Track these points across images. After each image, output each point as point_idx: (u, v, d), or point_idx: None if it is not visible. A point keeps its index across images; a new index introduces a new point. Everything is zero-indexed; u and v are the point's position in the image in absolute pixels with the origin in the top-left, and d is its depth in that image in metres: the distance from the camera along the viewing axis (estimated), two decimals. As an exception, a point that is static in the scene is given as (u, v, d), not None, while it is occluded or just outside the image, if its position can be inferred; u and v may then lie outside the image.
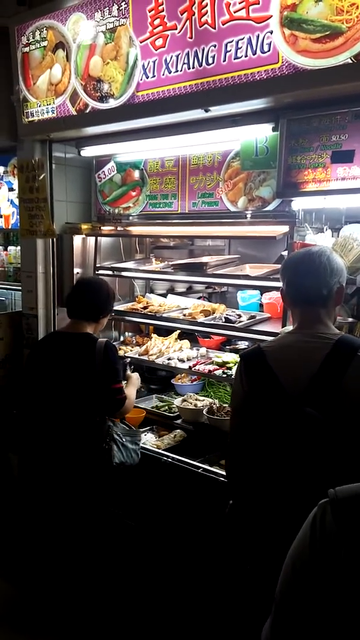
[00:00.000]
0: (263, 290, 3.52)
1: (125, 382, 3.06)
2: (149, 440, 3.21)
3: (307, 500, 1.11)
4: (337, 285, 1.87)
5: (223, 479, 2.64)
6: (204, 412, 3.19)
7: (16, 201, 4.17)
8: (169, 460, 2.88)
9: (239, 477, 1.90)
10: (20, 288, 4.15)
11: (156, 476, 2.94)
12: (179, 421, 3.35)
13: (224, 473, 2.68)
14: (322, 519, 0.99)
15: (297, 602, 0.99)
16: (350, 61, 2.20)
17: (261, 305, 3.58)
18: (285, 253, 3.07)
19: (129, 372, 3.31)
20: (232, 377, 3.18)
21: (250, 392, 1.81)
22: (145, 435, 3.30)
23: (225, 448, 1.95)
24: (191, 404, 3.35)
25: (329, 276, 1.85)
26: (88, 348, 2.74)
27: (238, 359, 1.87)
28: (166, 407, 3.51)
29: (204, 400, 3.40)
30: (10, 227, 4.69)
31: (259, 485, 1.79)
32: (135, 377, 3.19)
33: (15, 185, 4.25)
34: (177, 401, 3.42)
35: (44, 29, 3.43)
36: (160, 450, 2.97)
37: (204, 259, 3.61)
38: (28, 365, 2.98)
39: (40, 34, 3.47)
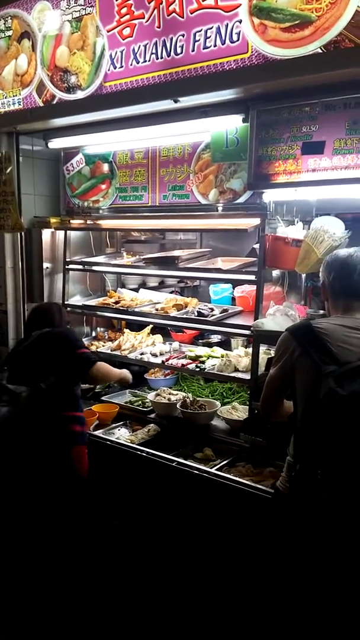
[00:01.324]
0: (235, 283, 3.51)
1: None
2: (122, 435, 3.17)
3: None
4: None
5: (197, 472, 2.63)
6: (178, 405, 3.17)
7: (-17, 195, 4.06)
8: (144, 454, 2.84)
9: (272, 414, 2.24)
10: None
11: (131, 471, 2.91)
12: (152, 415, 3.31)
13: (197, 466, 2.68)
14: None
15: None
16: (319, 51, 2.20)
17: (233, 298, 3.57)
18: (257, 246, 3.07)
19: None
20: (205, 370, 3.18)
21: (302, 354, 1.97)
22: (119, 430, 3.26)
23: (262, 399, 2.22)
24: (165, 398, 3.32)
25: None
26: (46, 334, 2.83)
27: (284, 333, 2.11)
28: (140, 402, 3.47)
29: (177, 394, 3.38)
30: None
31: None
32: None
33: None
34: (151, 395, 3.39)
35: (9, 17, 3.35)
36: (134, 445, 2.93)
37: (176, 253, 3.59)
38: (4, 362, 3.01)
39: (4, 24, 3.39)
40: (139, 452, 2.87)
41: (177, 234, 4.30)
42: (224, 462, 2.75)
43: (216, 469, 2.65)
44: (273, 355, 2.20)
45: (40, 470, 2.68)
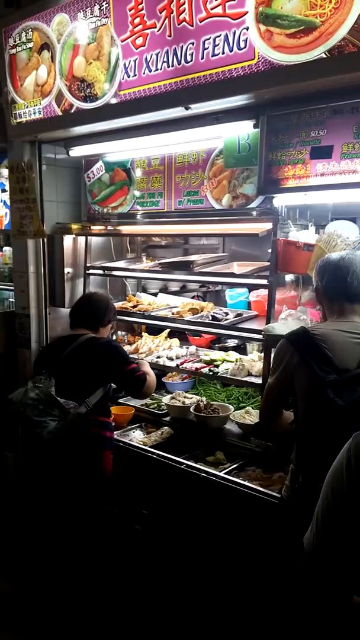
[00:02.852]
0: (251, 288, 3.52)
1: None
2: (136, 437, 3.22)
3: None
4: None
5: (205, 475, 2.65)
6: (191, 409, 3.19)
7: (9, 202, 4.19)
8: (154, 456, 2.88)
9: (273, 423, 2.24)
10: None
11: (142, 472, 2.95)
12: (167, 418, 3.35)
13: (205, 469, 2.70)
14: (357, 448, 1.17)
15: (336, 524, 1.19)
16: (324, 56, 2.19)
17: (249, 303, 3.58)
18: (270, 251, 3.07)
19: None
20: (219, 374, 3.19)
21: (300, 362, 1.96)
22: (133, 432, 3.31)
23: (261, 409, 2.28)
24: (179, 401, 3.35)
25: None
26: (89, 344, 2.85)
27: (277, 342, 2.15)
28: (155, 405, 3.51)
29: (192, 398, 3.41)
30: (3, 227, 4.72)
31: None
32: (142, 361, 3.21)
33: (7, 187, 4.27)
34: (166, 399, 3.43)
35: (30, 30, 3.45)
36: (145, 447, 2.97)
37: (192, 258, 3.62)
38: (35, 365, 3.09)
39: (26, 36, 3.49)
40: (149, 454, 2.90)
41: (199, 239, 4.33)
42: (234, 466, 2.77)
43: (225, 473, 2.66)
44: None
45: (74, 472, 2.79)
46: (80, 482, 2.79)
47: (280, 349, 2.08)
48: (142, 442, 3.06)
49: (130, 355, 3.63)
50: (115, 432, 3.23)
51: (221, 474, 2.63)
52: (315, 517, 1.26)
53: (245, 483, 2.53)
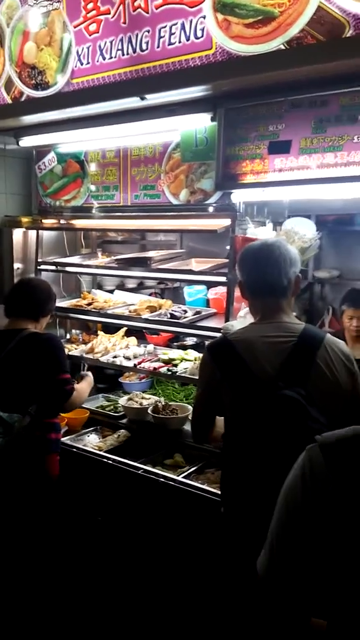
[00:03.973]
0: (210, 285, 3.45)
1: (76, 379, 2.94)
2: (91, 441, 3.10)
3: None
4: (295, 274, 1.92)
5: (163, 480, 2.56)
6: (149, 410, 3.10)
7: None
8: (110, 462, 2.78)
9: (204, 437, 2.14)
10: None
11: (99, 478, 2.84)
12: (124, 421, 3.25)
13: (164, 474, 2.62)
14: (311, 462, 1.11)
15: (293, 541, 1.11)
16: (283, 47, 2.13)
17: (208, 300, 3.51)
18: (228, 248, 3.01)
19: (84, 371, 3.20)
20: (177, 374, 3.11)
21: (223, 379, 1.84)
22: (88, 436, 3.19)
23: (192, 422, 2.17)
24: (137, 402, 3.26)
25: (289, 266, 1.89)
26: (30, 342, 2.60)
27: (195, 353, 2.07)
28: (112, 407, 3.41)
29: (150, 398, 3.32)
30: None
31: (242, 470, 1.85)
32: (89, 375, 3.05)
33: None
34: (122, 400, 3.33)
35: (-24, 12, 3.26)
36: (101, 452, 2.86)
37: (149, 254, 3.52)
38: None
39: (-28, 18, 3.30)
40: (105, 460, 2.80)
41: (157, 235, 4.23)
42: (193, 469, 2.70)
43: (183, 476, 2.60)
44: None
45: (14, 476, 2.60)
46: (23, 489, 2.62)
47: (203, 362, 1.96)
48: (97, 447, 2.94)
49: (86, 355, 3.52)
50: (68, 437, 3.12)
51: (179, 478, 2.55)
52: (269, 537, 1.16)
53: (204, 487, 2.47)
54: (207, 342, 2.39)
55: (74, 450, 2.92)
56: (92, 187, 3.51)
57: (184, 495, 2.48)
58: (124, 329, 3.73)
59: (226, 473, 1.93)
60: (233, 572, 1.91)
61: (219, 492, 2.36)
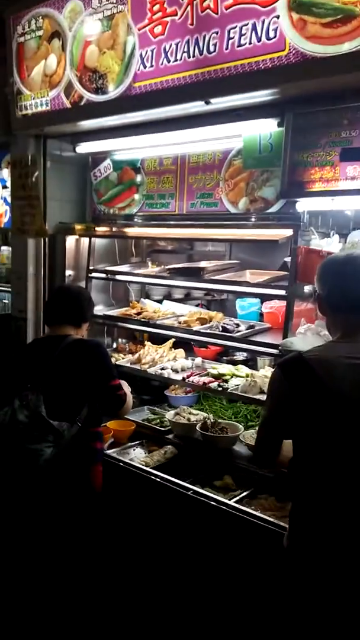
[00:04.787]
0: (264, 298, 3.30)
1: None
2: (137, 455, 2.98)
3: None
4: None
5: (214, 504, 2.41)
6: (197, 427, 2.97)
7: (9, 199, 3.99)
8: (158, 479, 2.65)
9: (270, 462, 1.97)
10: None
11: (145, 495, 2.71)
12: (170, 436, 3.12)
13: (215, 497, 2.46)
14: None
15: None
16: (363, 48, 2.00)
17: (261, 314, 3.37)
18: (288, 259, 2.87)
19: None
20: (229, 390, 2.97)
21: (295, 400, 1.69)
22: (134, 450, 3.08)
23: (256, 445, 1.98)
24: (184, 417, 3.12)
25: None
26: (77, 348, 2.54)
27: (273, 369, 1.95)
28: (158, 420, 3.28)
29: (198, 414, 3.18)
30: (3, 226, 4.50)
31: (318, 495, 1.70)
32: (124, 382, 2.95)
33: (9, 183, 4.07)
34: (170, 414, 3.20)
35: (40, 17, 3.26)
36: (148, 469, 2.73)
37: (202, 264, 3.41)
38: (18, 375, 2.74)
39: (35, 23, 3.30)
40: (152, 477, 2.67)
41: (205, 245, 4.12)
42: (245, 494, 2.53)
43: (235, 501, 2.43)
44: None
45: (61, 486, 2.50)
46: (68, 500, 2.52)
47: (274, 380, 1.81)
48: (143, 462, 2.82)
49: (133, 366, 3.43)
50: (114, 449, 3.01)
51: (232, 503, 2.39)
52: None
53: (259, 514, 2.30)
54: (277, 360, 2.25)
55: (121, 464, 2.80)
56: (147, 194, 3.44)
57: (237, 522, 2.32)
58: (172, 340, 3.62)
59: (298, 504, 1.76)
60: (295, 616, 1.73)
61: (274, 521, 2.25)
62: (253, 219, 2.89)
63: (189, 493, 2.50)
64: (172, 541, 2.60)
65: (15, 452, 2.41)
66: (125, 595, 2.79)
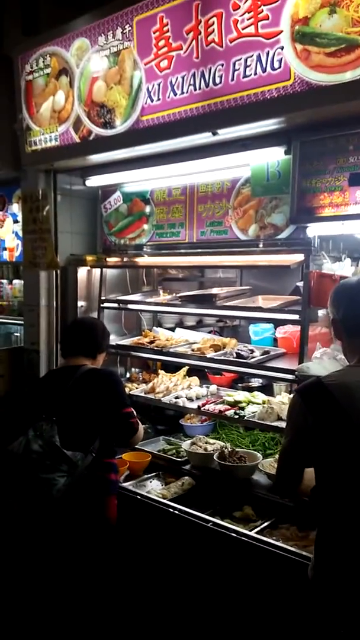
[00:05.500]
0: (277, 323, 3.28)
1: None
2: (154, 488, 2.93)
3: None
4: None
5: (235, 535, 2.36)
6: (215, 457, 2.92)
7: (20, 233, 4.04)
8: (176, 512, 2.60)
9: (292, 491, 1.94)
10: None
11: (163, 529, 2.66)
12: (187, 466, 3.07)
13: (236, 528, 2.40)
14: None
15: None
16: (368, 75, 2.03)
17: (275, 339, 3.34)
18: (300, 284, 2.86)
19: None
20: (245, 418, 2.93)
21: (315, 426, 1.66)
22: (150, 482, 3.03)
23: (277, 473, 1.94)
24: (201, 447, 3.08)
25: None
26: (90, 377, 2.56)
27: (292, 394, 1.95)
28: (174, 451, 3.24)
29: (214, 443, 3.14)
30: (14, 259, 4.55)
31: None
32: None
33: (20, 217, 4.13)
34: (186, 444, 3.16)
35: (48, 55, 3.34)
36: (166, 502, 2.68)
37: (214, 291, 3.41)
38: (32, 405, 2.75)
39: (43, 61, 3.38)
40: (171, 510, 2.62)
41: (216, 272, 4.13)
42: (266, 524, 2.48)
43: (256, 532, 2.38)
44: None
45: (75, 517, 2.49)
46: (83, 531, 2.48)
47: (293, 406, 1.78)
48: (161, 495, 2.77)
49: (147, 395, 3.41)
50: (130, 482, 2.97)
51: (253, 534, 2.34)
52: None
53: (281, 544, 2.25)
54: (295, 386, 2.22)
55: (138, 497, 2.76)
56: (157, 225, 3.47)
57: (259, 553, 2.27)
58: (186, 368, 3.60)
59: (324, 534, 1.72)
60: None
61: (297, 551, 2.19)
62: (264, 246, 2.90)
63: (208, 525, 2.45)
64: (192, 575, 2.54)
65: (28, 482, 2.41)
66: (145, 634, 2.71)
